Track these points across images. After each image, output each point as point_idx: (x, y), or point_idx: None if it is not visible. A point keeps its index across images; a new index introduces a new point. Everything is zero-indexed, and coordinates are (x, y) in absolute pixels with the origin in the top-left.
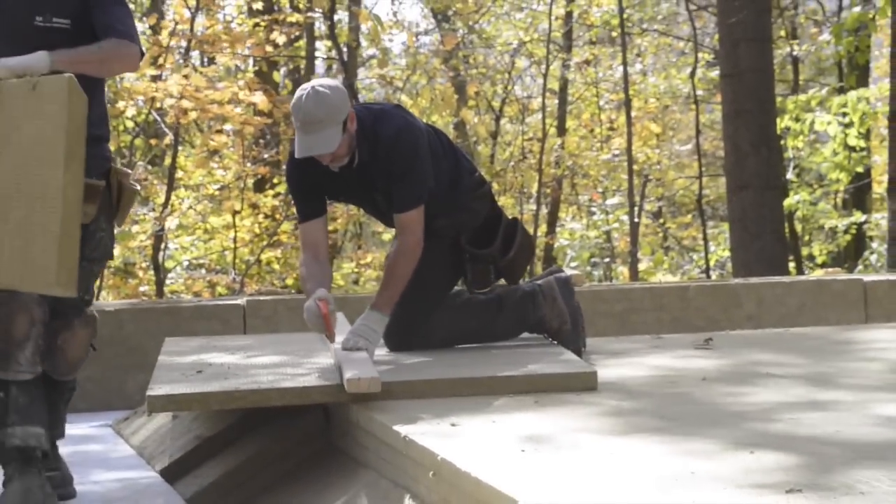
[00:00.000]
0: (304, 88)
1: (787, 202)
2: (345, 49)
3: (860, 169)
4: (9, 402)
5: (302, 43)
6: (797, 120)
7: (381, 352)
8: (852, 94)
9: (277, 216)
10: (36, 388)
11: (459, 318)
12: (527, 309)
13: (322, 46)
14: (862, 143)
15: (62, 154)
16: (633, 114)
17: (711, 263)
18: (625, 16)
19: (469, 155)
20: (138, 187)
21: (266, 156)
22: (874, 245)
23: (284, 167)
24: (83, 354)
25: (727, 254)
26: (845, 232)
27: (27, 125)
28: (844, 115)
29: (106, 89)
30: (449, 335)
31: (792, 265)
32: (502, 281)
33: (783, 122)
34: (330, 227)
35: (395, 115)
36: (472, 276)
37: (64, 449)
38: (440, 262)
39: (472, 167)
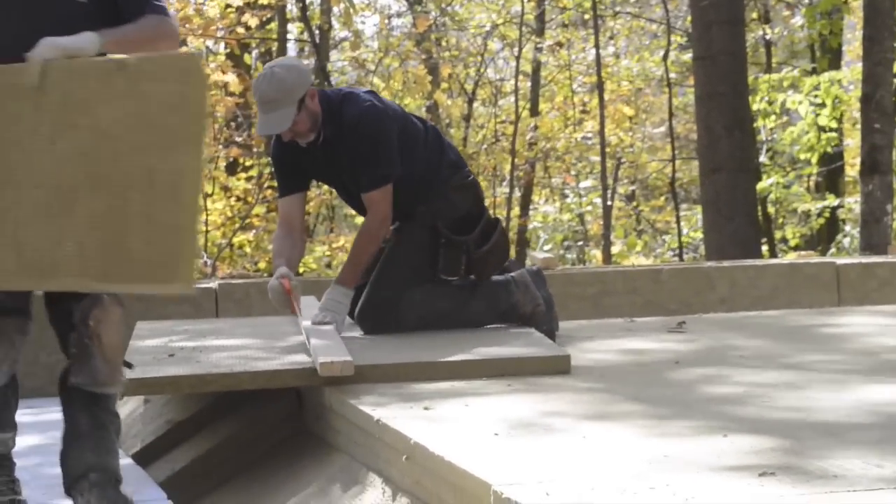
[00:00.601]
0: (265, 69)
1: (760, 186)
2: (317, 31)
3: (829, 149)
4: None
5: (274, 25)
6: (770, 103)
7: (356, 334)
8: (825, 76)
9: (250, 199)
10: (11, 390)
11: (432, 298)
12: (499, 294)
13: (294, 29)
14: (833, 124)
15: (179, 137)
16: (605, 97)
17: (684, 243)
18: None
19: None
20: None
21: (238, 139)
22: (847, 228)
23: (256, 149)
24: (119, 344)
25: (698, 235)
26: (818, 215)
27: (107, 108)
28: (816, 96)
29: None
30: (422, 315)
31: (765, 248)
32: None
33: (756, 104)
34: None
35: (363, 98)
36: (444, 262)
37: (37, 435)
38: (415, 244)
39: (458, 161)
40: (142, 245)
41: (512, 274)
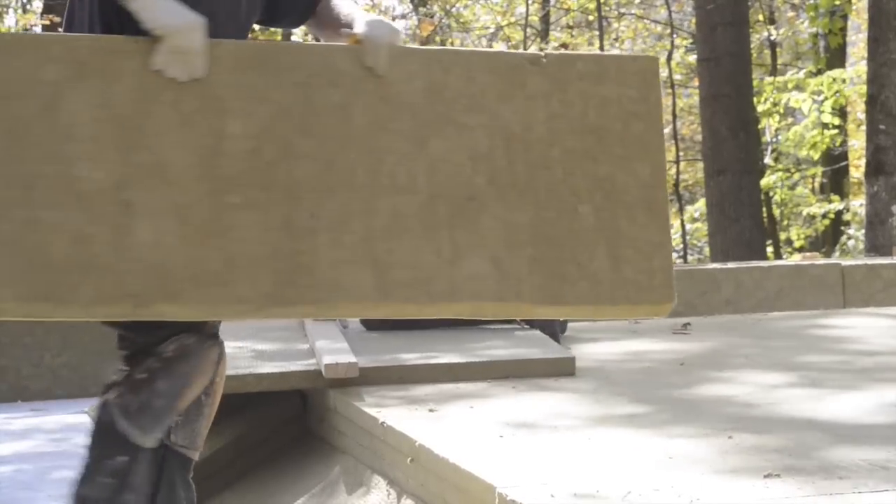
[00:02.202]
0: None
1: (763, 181)
2: None
3: (831, 146)
4: (129, 474)
5: None
6: (774, 104)
7: (360, 334)
8: (827, 74)
9: None
10: (158, 456)
11: None
12: None
13: (299, 31)
14: (836, 121)
15: (644, 146)
16: None
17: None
18: (602, 0)
19: None
20: None
21: None
22: (851, 231)
23: None
24: None
25: (696, 227)
26: (823, 217)
27: (514, 107)
28: (819, 93)
29: None
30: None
31: (770, 250)
32: None
33: (761, 105)
34: None
35: None
36: None
37: (42, 437)
38: None
39: None
40: (606, 264)
41: None
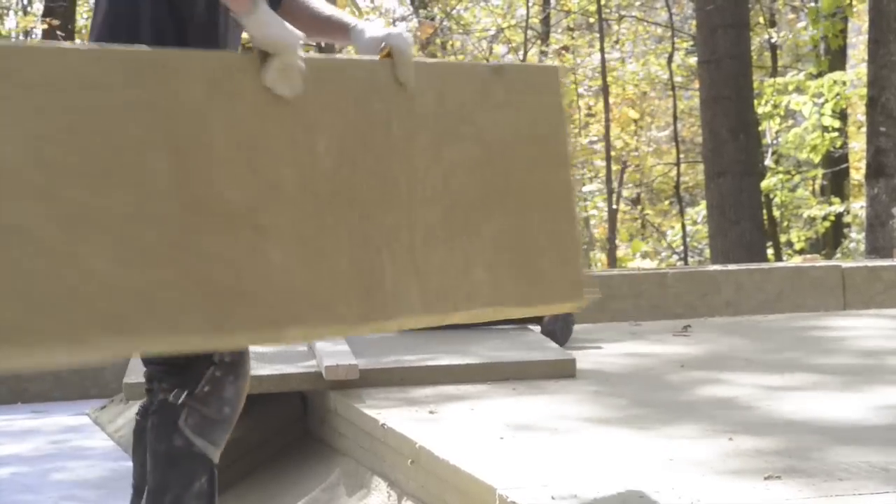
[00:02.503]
0: None
1: (764, 184)
2: None
3: (832, 148)
4: (212, 493)
5: None
6: (775, 106)
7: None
8: (828, 77)
9: None
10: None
11: None
12: None
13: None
14: (836, 124)
15: (564, 152)
16: (611, 100)
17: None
18: (602, 2)
19: None
20: None
21: None
22: (852, 234)
23: None
24: None
25: (697, 229)
26: (824, 219)
27: (487, 117)
28: (820, 95)
29: None
30: None
31: (770, 252)
32: None
33: (761, 107)
34: None
35: None
36: None
37: (42, 439)
38: None
39: None
40: (552, 264)
41: None
